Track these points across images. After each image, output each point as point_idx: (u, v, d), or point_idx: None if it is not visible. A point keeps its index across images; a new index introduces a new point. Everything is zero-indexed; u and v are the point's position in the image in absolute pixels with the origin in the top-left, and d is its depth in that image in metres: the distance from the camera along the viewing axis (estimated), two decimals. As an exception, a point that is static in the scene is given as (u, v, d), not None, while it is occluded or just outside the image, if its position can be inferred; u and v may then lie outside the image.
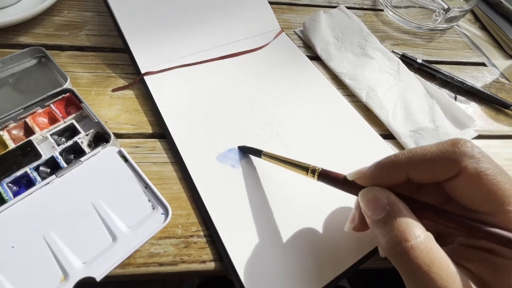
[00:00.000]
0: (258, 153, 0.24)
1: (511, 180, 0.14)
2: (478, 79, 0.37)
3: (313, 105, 0.30)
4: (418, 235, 0.14)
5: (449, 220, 0.15)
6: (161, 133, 0.27)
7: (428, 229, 0.15)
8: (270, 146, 0.26)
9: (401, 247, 0.14)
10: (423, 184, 0.18)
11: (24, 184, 0.22)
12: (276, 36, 0.36)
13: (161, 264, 0.21)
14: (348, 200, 0.24)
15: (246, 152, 0.25)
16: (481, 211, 0.15)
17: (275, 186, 0.24)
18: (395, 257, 0.14)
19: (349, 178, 0.18)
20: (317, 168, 0.20)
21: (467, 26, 0.45)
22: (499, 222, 0.14)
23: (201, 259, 0.21)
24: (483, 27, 0.45)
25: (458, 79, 0.35)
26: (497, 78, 0.38)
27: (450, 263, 0.14)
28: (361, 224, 0.19)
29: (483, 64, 0.39)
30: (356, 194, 0.18)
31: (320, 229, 0.22)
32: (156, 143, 0.26)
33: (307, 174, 0.20)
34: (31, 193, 0.21)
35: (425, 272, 0.13)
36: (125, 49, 0.31)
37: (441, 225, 0.15)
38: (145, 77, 0.29)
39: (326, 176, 0.19)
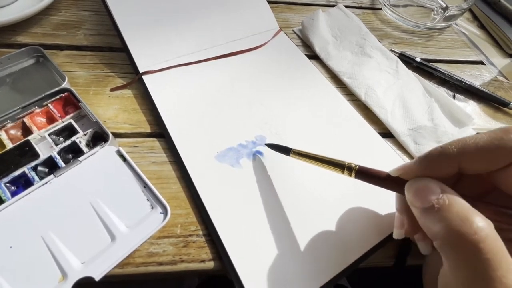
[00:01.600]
0: (287, 151, 0.23)
1: None
2: (477, 77, 0.37)
3: (312, 104, 0.30)
4: (480, 220, 0.13)
5: (501, 214, 0.14)
6: (160, 132, 0.27)
7: None
8: (269, 145, 0.26)
9: (464, 229, 0.13)
10: (463, 175, 0.17)
11: (22, 184, 0.22)
12: (274, 35, 0.36)
13: (160, 264, 0.21)
14: (347, 198, 0.24)
15: (274, 149, 0.25)
16: None
17: (274, 185, 0.24)
18: (453, 242, 0.13)
19: (393, 174, 0.18)
20: (353, 165, 0.19)
21: (465, 24, 0.45)
22: None
23: (200, 259, 0.21)
24: (481, 26, 0.45)
25: (457, 77, 0.35)
26: (495, 77, 0.38)
27: (509, 255, 0.13)
28: (413, 226, 0.18)
29: (481, 63, 0.39)
30: (399, 190, 0.17)
31: (319, 228, 0.22)
32: (154, 143, 0.26)
33: (343, 172, 0.19)
34: (29, 193, 0.21)
35: (487, 259, 0.12)
36: (123, 49, 0.31)
37: (492, 219, 0.14)
38: (144, 77, 0.29)
39: (365, 174, 0.19)
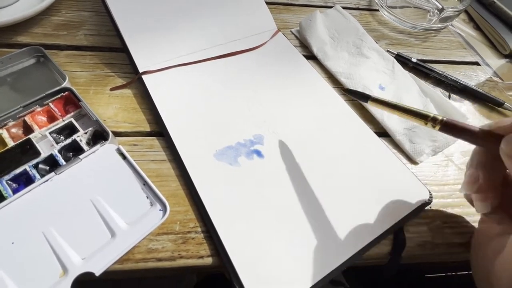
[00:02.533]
0: (366, 98, 0.23)
1: None
2: (472, 78, 0.38)
3: (309, 103, 0.31)
4: None
5: None
6: (159, 131, 0.27)
7: None
8: (267, 144, 0.27)
9: None
10: None
11: (24, 181, 0.22)
12: (273, 36, 0.36)
13: (159, 260, 0.21)
14: (343, 195, 0.24)
15: (352, 95, 0.25)
16: None
17: (272, 183, 0.25)
18: None
19: (489, 128, 0.18)
20: (439, 117, 0.19)
21: (461, 26, 0.45)
22: None
23: (199, 255, 0.21)
24: (477, 27, 0.45)
25: (452, 78, 0.35)
26: (490, 77, 0.38)
27: None
28: (489, 181, 0.18)
29: (476, 63, 0.40)
30: (488, 146, 0.17)
31: (317, 224, 0.23)
32: (154, 141, 0.26)
33: (426, 123, 0.19)
34: (30, 190, 0.21)
35: None
36: (123, 49, 0.32)
37: None
38: (143, 76, 0.30)
39: (452, 127, 0.19)
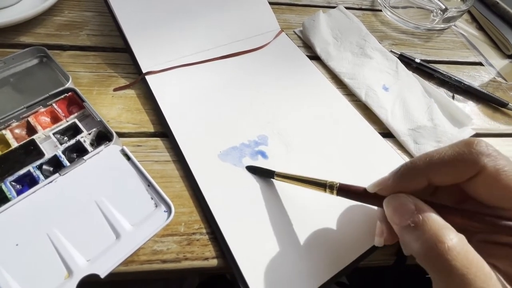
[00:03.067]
0: (271, 174, 0.23)
1: None
2: (475, 78, 0.38)
3: (313, 104, 0.31)
4: (453, 237, 0.14)
5: (476, 219, 0.15)
6: (163, 132, 0.27)
7: None
8: (271, 145, 0.27)
9: (438, 250, 0.14)
10: (439, 186, 0.18)
11: (27, 182, 0.22)
12: (276, 36, 0.36)
13: (164, 261, 0.21)
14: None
15: (256, 173, 0.24)
16: (500, 207, 0.15)
17: (276, 184, 0.24)
18: (430, 260, 0.14)
19: (370, 190, 0.18)
20: (334, 183, 0.20)
21: (464, 26, 0.45)
22: None
23: (204, 256, 0.21)
24: (480, 27, 0.45)
25: (456, 78, 0.35)
26: (494, 78, 0.38)
27: (485, 263, 0.14)
28: (391, 235, 0.19)
29: (480, 64, 0.40)
30: (378, 205, 0.18)
31: (322, 226, 0.23)
32: (158, 142, 0.26)
33: (325, 190, 0.20)
34: (34, 192, 0.21)
35: (463, 274, 0.13)
36: (126, 49, 0.31)
37: (467, 225, 0.15)
38: (147, 77, 0.30)
39: (345, 191, 0.20)
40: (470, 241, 0.16)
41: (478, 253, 0.14)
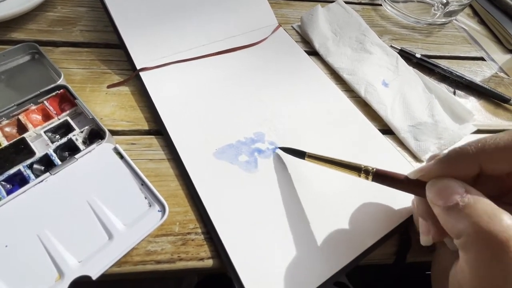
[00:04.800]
0: (302, 154, 0.23)
1: None
2: (477, 73, 0.37)
3: (311, 100, 0.30)
4: (508, 218, 0.13)
5: None
6: (158, 129, 0.26)
7: None
8: (268, 142, 0.26)
9: (491, 230, 0.13)
10: (481, 176, 0.17)
11: (18, 182, 0.22)
12: (273, 31, 0.35)
13: (158, 262, 0.20)
14: (348, 195, 0.24)
15: (288, 153, 0.24)
16: None
17: (273, 182, 0.24)
18: (480, 241, 0.13)
19: (412, 177, 0.17)
20: (370, 168, 0.19)
21: (465, 20, 0.44)
22: None
23: (199, 257, 0.21)
24: (482, 22, 0.44)
25: (457, 73, 0.35)
26: (496, 73, 0.38)
27: None
28: (438, 231, 0.18)
29: (481, 59, 0.39)
30: (419, 193, 0.17)
31: (319, 225, 0.22)
32: (152, 140, 0.26)
33: (359, 175, 0.19)
34: (25, 191, 0.21)
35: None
36: (120, 45, 0.31)
37: None
38: (141, 73, 0.29)
39: (383, 176, 0.19)
40: None
41: None
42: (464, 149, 0.15)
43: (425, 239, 0.19)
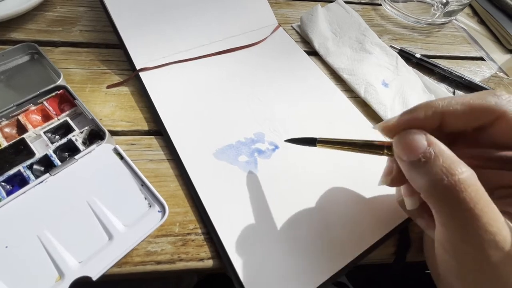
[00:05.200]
0: (312, 142, 0.20)
1: None
2: (477, 73, 0.37)
3: (311, 100, 0.30)
4: (464, 170, 0.14)
5: (490, 159, 0.15)
6: (157, 130, 0.26)
7: None
8: (268, 143, 0.26)
9: (447, 182, 0.13)
10: (455, 138, 0.17)
11: (18, 182, 0.22)
12: (273, 31, 0.35)
13: (158, 263, 0.20)
14: (348, 197, 0.24)
15: (297, 143, 0.22)
16: None
17: (273, 183, 0.24)
18: (438, 194, 0.14)
19: (377, 129, 0.18)
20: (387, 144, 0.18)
21: (465, 20, 0.44)
22: None
23: (199, 257, 0.21)
24: (482, 21, 0.44)
25: (457, 73, 0.35)
26: (496, 73, 0.38)
27: (493, 203, 0.13)
28: (400, 175, 0.18)
29: (481, 59, 0.39)
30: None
31: (319, 226, 0.22)
32: (152, 140, 0.26)
33: (382, 153, 0.18)
34: (24, 192, 0.21)
35: (470, 208, 0.13)
36: (120, 45, 0.31)
37: (484, 165, 0.15)
38: (140, 73, 0.29)
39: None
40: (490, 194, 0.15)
41: (497, 204, 0.14)
42: (433, 101, 0.16)
43: (383, 180, 0.19)
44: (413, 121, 0.16)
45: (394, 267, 0.23)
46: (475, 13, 0.46)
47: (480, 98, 0.15)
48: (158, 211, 0.21)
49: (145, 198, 0.22)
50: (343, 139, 0.19)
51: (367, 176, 0.25)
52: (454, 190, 0.13)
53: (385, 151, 0.18)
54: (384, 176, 0.19)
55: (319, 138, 0.20)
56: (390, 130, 0.17)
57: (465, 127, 0.16)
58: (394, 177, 0.18)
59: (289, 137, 0.25)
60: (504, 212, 0.14)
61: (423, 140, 0.15)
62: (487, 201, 0.13)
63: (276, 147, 0.26)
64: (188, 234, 0.22)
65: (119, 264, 0.20)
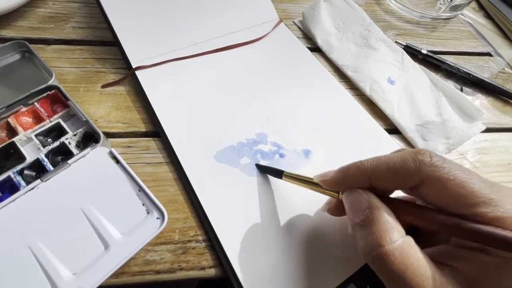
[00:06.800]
0: (279, 174, 0.21)
1: (478, 178, 0.15)
2: (484, 69, 0.36)
3: (315, 99, 0.29)
4: (395, 240, 0.14)
5: (431, 220, 0.15)
6: (155, 131, 0.25)
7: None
8: (271, 144, 0.25)
9: (376, 252, 0.14)
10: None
11: (8, 189, 0.20)
12: (274, 27, 0.34)
13: (157, 272, 0.19)
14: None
15: (264, 172, 0.23)
16: (459, 213, 0.14)
17: (277, 186, 0.23)
18: (371, 262, 0.15)
19: (315, 180, 0.18)
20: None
21: (471, 14, 0.43)
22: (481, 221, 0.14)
23: (200, 266, 0.20)
24: (488, 16, 0.43)
25: (464, 70, 0.33)
26: (504, 69, 0.37)
27: (428, 266, 0.14)
28: (336, 209, 0.19)
29: (488, 54, 0.38)
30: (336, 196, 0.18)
31: (326, 234, 0.21)
32: (149, 142, 0.25)
33: (339, 196, 0.18)
34: (15, 199, 0.20)
35: (399, 276, 0.14)
36: (115, 42, 0.29)
37: (423, 226, 0.15)
38: (137, 72, 0.28)
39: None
40: (447, 242, 0.16)
41: (447, 255, 0.15)
42: (363, 163, 0.17)
43: (323, 207, 0.20)
44: (347, 179, 0.17)
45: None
46: (481, 7, 0.45)
47: (403, 161, 0.15)
48: (157, 218, 0.20)
49: (143, 204, 0.21)
50: (304, 177, 0.20)
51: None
52: (383, 260, 0.14)
53: (340, 195, 0.18)
54: (325, 204, 0.20)
55: (285, 172, 0.21)
56: (327, 184, 0.18)
57: (396, 188, 0.17)
58: (332, 208, 0.20)
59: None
60: (447, 265, 0.14)
61: (364, 202, 0.16)
62: (419, 268, 0.14)
63: (280, 147, 0.25)
64: (189, 241, 0.21)
65: (116, 274, 0.19)
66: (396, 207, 0.15)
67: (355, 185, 0.17)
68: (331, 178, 0.17)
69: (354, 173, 0.17)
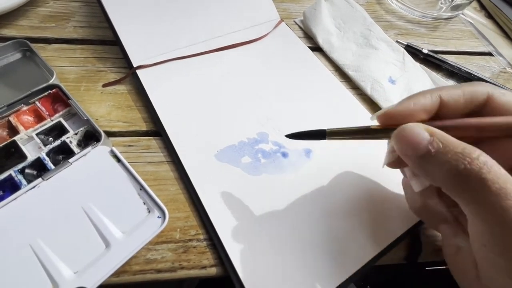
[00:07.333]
0: (321, 134, 0.19)
1: None
2: (485, 69, 0.36)
3: (316, 98, 0.29)
4: (480, 154, 0.13)
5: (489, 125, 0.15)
6: (156, 130, 0.25)
7: None
8: (272, 143, 0.25)
9: (469, 166, 0.12)
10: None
11: (9, 188, 0.20)
12: (275, 27, 0.34)
13: (158, 271, 0.19)
14: (355, 200, 0.23)
15: (303, 139, 0.20)
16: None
17: (278, 185, 0.23)
18: (463, 181, 0.13)
19: (376, 116, 0.17)
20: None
21: (472, 14, 0.43)
22: None
23: (201, 265, 0.20)
24: (489, 15, 0.43)
25: (465, 69, 0.33)
26: (505, 68, 0.37)
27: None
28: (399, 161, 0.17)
29: (489, 54, 0.38)
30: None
31: (325, 230, 0.21)
32: (150, 141, 0.25)
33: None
34: (16, 198, 0.20)
35: (497, 189, 0.12)
36: (116, 41, 0.29)
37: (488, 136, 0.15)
38: (138, 71, 0.28)
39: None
40: None
41: None
42: (434, 88, 0.17)
43: (417, 183, 0.18)
44: (410, 103, 0.16)
45: (404, 272, 0.22)
46: (482, 7, 0.44)
47: (471, 84, 0.16)
48: (158, 217, 0.20)
49: (144, 203, 0.21)
50: (355, 127, 0.18)
51: (378, 177, 0.24)
52: (479, 172, 0.12)
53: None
54: (387, 155, 0.18)
55: (328, 129, 0.18)
56: (392, 118, 0.16)
57: (462, 111, 0.16)
58: (397, 160, 0.17)
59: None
60: None
61: (424, 132, 0.14)
62: (508, 175, 0.12)
63: (281, 146, 0.25)
64: (190, 240, 0.21)
65: (117, 273, 0.19)
66: (448, 129, 0.15)
67: (424, 102, 0.16)
68: (399, 107, 0.16)
69: (431, 95, 0.16)
